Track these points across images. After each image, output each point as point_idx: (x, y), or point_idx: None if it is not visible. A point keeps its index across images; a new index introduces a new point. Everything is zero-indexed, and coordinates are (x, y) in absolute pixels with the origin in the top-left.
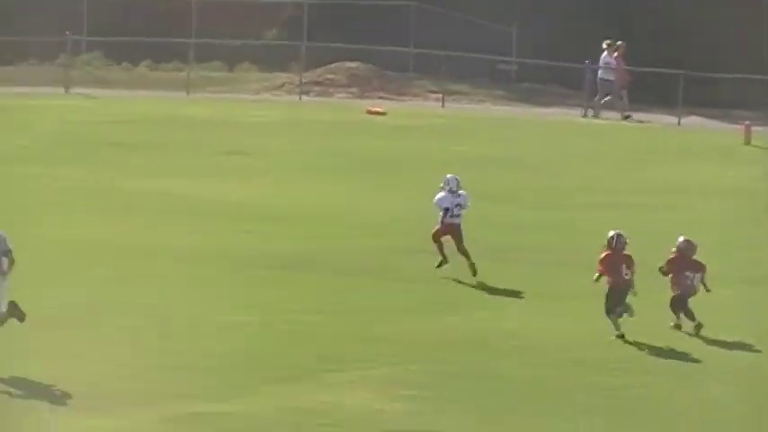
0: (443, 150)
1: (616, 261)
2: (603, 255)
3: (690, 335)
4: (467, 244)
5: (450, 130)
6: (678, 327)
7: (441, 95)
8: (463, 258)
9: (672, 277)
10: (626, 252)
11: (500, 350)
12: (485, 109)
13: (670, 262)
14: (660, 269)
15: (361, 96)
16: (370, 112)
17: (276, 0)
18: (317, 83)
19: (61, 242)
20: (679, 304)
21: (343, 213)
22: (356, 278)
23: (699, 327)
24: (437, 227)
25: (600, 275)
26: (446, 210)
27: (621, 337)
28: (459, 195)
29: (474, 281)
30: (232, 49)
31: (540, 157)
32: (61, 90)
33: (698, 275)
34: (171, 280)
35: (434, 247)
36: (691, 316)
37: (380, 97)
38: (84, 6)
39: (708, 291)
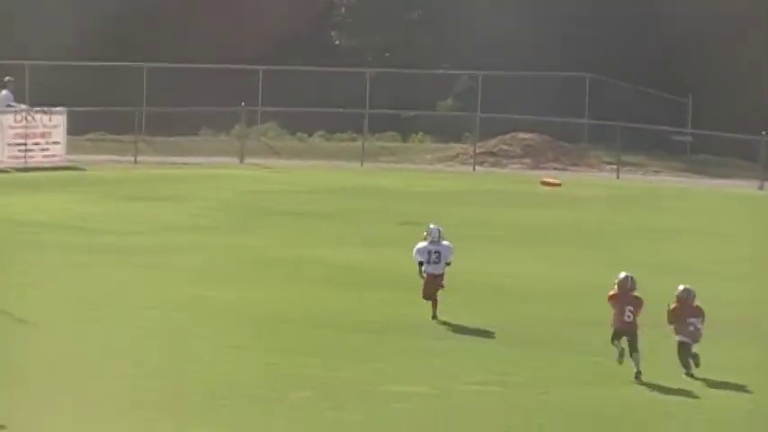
0: (619, 221)
1: (622, 301)
2: (612, 293)
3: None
4: None
5: (626, 200)
6: (690, 375)
7: (616, 166)
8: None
9: (676, 326)
10: (635, 294)
11: (684, 422)
12: (660, 180)
13: (672, 311)
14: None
15: (535, 167)
16: (544, 183)
17: (450, 71)
18: (492, 153)
19: (229, 309)
20: (681, 350)
21: (517, 284)
22: (531, 349)
23: (690, 375)
24: (423, 281)
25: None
26: (424, 259)
27: (639, 373)
28: (440, 245)
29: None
30: (406, 120)
31: (709, 227)
32: (236, 160)
33: (701, 320)
34: (339, 350)
35: (430, 302)
36: (695, 362)
37: (555, 168)
38: (260, 77)
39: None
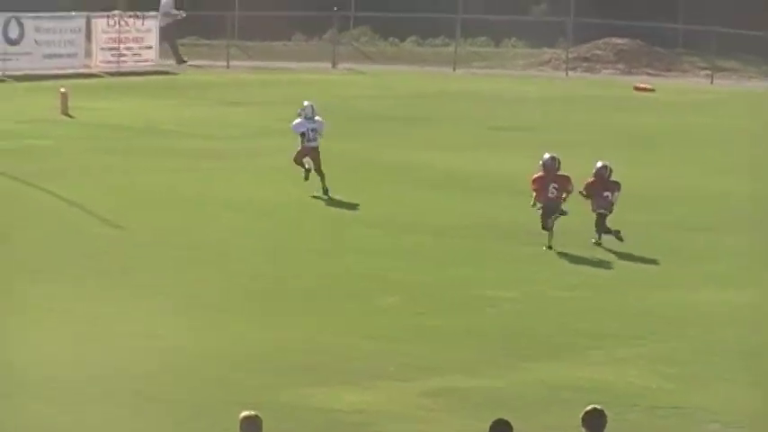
0: (713, 126)
1: (546, 181)
2: (537, 175)
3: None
4: None
5: (720, 106)
6: (599, 244)
7: (710, 72)
8: None
9: (593, 199)
10: (560, 173)
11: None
12: (755, 85)
13: (588, 186)
14: (581, 193)
15: (628, 73)
16: (637, 89)
17: None
18: (584, 59)
19: (321, 214)
20: (602, 222)
21: None
22: (620, 254)
23: (598, 244)
24: (298, 149)
25: (534, 199)
26: (302, 134)
27: (550, 248)
28: (315, 121)
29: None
30: (499, 25)
31: None
32: (328, 65)
33: (616, 194)
34: (429, 254)
35: (297, 167)
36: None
37: (648, 74)
38: None
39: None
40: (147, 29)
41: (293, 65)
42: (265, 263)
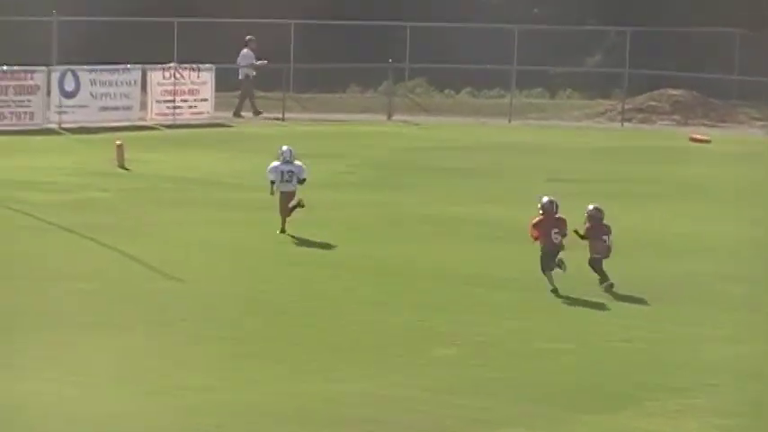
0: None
1: (547, 225)
2: (537, 220)
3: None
4: None
5: None
6: (611, 286)
7: (766, 123)
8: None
9: (592, 243)
10: (558, 216)
11: None
12: None
13: (588, 230)
14: (580, 236)
15: (684, 124)
16: (693, 140)
17: (598, 27)
18: (640, 110)
19: (377, 267)
20: (596, 265)
21: (665, 239)
22: (676, 305)
23: (610, 286)
24: (279, 199)
25: (536, 239)
26: (277, 179)
27: (555, 291)
28: (293, 165)
29: None
30: (554, 76)
31: None
32: (383, 117)
33: (611, 237)
34: (485, 306)
35: (281, 218)
36: (604, 277)
37: (703, 125)
38: (407, 34)
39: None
40: (202, 81)
41: (349, 116)
42: (321, 315)
